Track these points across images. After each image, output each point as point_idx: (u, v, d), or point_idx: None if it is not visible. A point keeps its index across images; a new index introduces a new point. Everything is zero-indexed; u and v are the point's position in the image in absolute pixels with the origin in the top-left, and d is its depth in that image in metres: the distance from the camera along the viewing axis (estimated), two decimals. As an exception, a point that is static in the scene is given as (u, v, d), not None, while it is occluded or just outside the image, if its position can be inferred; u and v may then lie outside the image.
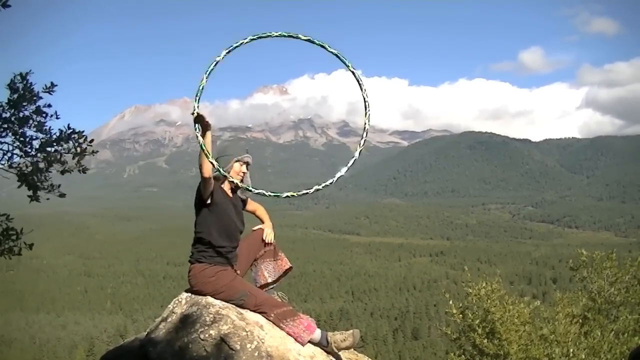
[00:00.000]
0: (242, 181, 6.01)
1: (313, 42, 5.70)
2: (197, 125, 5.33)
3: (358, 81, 5.72)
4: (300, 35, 5.72)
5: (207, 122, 5.35)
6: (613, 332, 12.83)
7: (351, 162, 5.71)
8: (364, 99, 5.63)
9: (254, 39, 5.61)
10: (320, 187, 5.39)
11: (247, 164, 6.12)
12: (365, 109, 5.61)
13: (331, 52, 5.76)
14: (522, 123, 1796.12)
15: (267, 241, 6.35)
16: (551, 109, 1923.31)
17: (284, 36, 5.68)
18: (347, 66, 5.79)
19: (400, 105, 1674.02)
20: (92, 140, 7.84)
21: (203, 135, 5.31)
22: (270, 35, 5.66)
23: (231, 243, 5.99)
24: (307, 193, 5.52)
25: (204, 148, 5.22)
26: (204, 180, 5.61)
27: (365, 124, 5.56)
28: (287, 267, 6.44)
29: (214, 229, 5.85)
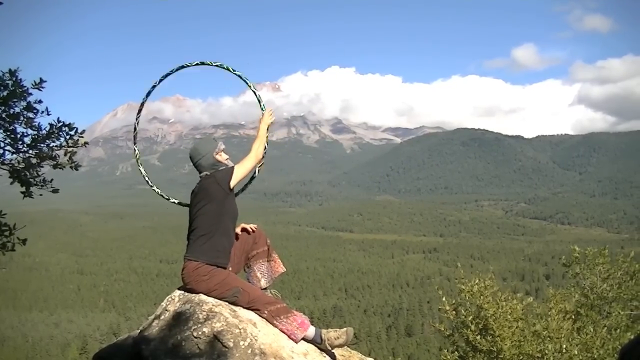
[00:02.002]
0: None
1: (225, 68, 6.52)
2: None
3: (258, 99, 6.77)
4: (208, 62, 6.72)
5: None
6: (605, 327, 12.82)
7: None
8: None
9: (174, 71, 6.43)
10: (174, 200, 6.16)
11: (223, 150, 6.30)
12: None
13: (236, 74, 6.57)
14: (515, 120, 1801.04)
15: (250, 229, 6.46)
16: (544, 106, 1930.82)
17: (198, 64, 6.51)
18: (249, 86, 6.87)
19: (394, 102, 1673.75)
20: (83, 132, 7.82)
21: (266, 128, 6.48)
22: (189, 65, 6.74)
23: (232, 237, 6.08)
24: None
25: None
26: (256, 164, 6.21)
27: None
28: (281, 271, 6.47)
29: (229, 216, 5.97)
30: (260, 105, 6.51)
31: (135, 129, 7.20)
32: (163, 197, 6.96)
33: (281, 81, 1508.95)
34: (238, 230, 6.31)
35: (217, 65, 6.63)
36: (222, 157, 6.13)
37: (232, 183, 5.88)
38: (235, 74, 6.60)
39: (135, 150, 7.11)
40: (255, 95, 6.59)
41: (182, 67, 6.73)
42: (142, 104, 7.11)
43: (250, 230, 6.37)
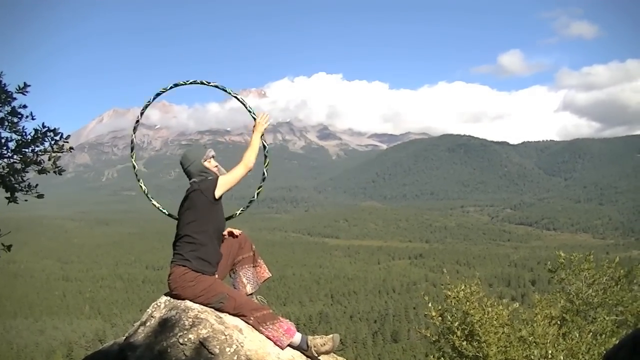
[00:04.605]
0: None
1: (217, 87, 6.40)
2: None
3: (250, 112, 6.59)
4: (205, 82, 6.51)
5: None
6: (591, 333, 12.88)
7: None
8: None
9: (169, 88, 6.30)
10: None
11: (214, 157, 6.29)
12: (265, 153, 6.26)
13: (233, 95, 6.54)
14: (501, 126, 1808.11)
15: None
16: (530, 112, 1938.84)
17: (197, 83, 6.32)
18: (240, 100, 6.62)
19: (381, 108, 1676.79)
20: (68, 137, 7.78)
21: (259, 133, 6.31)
22: (184, 84, 6.57)
23: (219, 243, 6.11)
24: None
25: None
26: (248, 172, 6.07)
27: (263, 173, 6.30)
28: (266, 276, 6.48)
29: (215, 226, 5.97)
30: (251, 114, 6.44)
31: (132, 142, 7.01)
32: (161, 211, 6.82)
33: (267, 87, 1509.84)
34: (225, 233, 6.32)
35: (206, 84, 6.48)
36: (211, 164, 6.15)
37: (217, 193, 5.89)
38: (222, 89, 6.47)
39: (134, 165, 6.93)
40: (243, 104, 6.52)
41: (176, 85, 6.57)
42: (137, 121, 6.87)
43: (236, 234, 6.39)
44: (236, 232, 6.41)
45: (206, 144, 6.38)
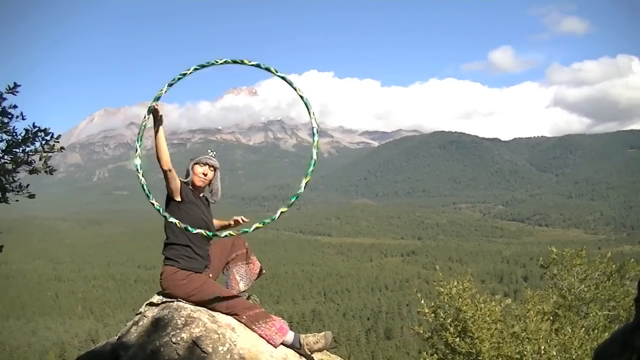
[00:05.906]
0: (210, 184, 6.27)
1: (259, 67, 5.70)
2: (148, 117, 5.86)
3: (307, 106, 5.78)
4: (245, 61, 5.67)
5: (161, 115, 5.89)
6: (583, 328, 12.89)
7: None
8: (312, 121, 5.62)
9: (198, 69, 5.65)
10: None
11: (208, 165, 6.18)
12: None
13: (278, 76, 5.67)
14: (492, 122, 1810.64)
15: (242, 220, 6.40)
16: (521, 108, 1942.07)
17: (229, 62, 5.66)
18: (295, 89, 5.72)
19: (373, 105, 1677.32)
20: (59, 137, 7.74)
21: (157, 130, 5.85)
22: (215, 63, 5.63)
23: (204, 244, 6.01)
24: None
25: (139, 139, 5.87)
26: (166, 173, 5.86)
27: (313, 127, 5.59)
28: (259, 273, 6.45)
29: (193, 224, 5.77)
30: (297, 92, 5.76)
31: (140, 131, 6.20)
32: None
33: (258, 85, 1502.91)
34: (231, 222, 6.32)
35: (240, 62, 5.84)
36: (197, 168, 6.19)
37: (174, 196, 5.98)
38: (278, 75, 5.65)
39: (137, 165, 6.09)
40: (290, 84, 5.75)
41: (202, 66, 5.55)
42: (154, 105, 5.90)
43: (241, 221, 6.36)
44: (242, 218, 6.40)
45: (212, 150, 6.16)
